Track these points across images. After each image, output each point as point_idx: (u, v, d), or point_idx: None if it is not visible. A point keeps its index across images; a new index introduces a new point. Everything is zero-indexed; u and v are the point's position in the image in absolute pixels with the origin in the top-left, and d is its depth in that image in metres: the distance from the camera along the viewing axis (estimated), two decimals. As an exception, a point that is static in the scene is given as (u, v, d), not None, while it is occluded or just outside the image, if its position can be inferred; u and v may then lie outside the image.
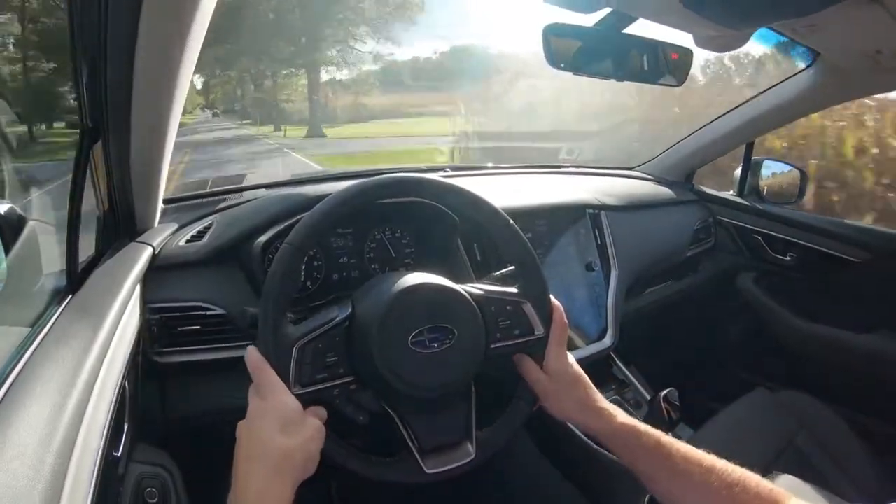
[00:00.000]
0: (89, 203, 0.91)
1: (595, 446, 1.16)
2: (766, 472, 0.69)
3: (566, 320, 0.82)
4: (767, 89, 1.54)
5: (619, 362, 1.38)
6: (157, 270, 1.00)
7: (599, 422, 0.75)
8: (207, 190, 1.30)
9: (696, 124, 1.80)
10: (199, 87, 18.86)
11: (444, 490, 0.83)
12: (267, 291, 0.69)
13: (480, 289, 0.79)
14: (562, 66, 0.89)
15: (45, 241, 0.95)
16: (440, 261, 1.11)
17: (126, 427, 0.81)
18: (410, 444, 0.73)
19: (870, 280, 1.53)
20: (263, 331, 0.68)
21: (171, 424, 1.04)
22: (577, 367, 0.80)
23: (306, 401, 0.67)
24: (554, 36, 0.87)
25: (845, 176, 3.34)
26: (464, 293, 0.75)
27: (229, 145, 13.37)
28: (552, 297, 0.82)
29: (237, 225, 1.09)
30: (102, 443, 0.64)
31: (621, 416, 0.75)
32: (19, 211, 0.87)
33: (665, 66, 0.96)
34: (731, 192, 1.83)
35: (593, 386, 0.78)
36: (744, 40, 0.87)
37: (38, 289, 0.86)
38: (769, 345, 1.78)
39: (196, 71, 0.78)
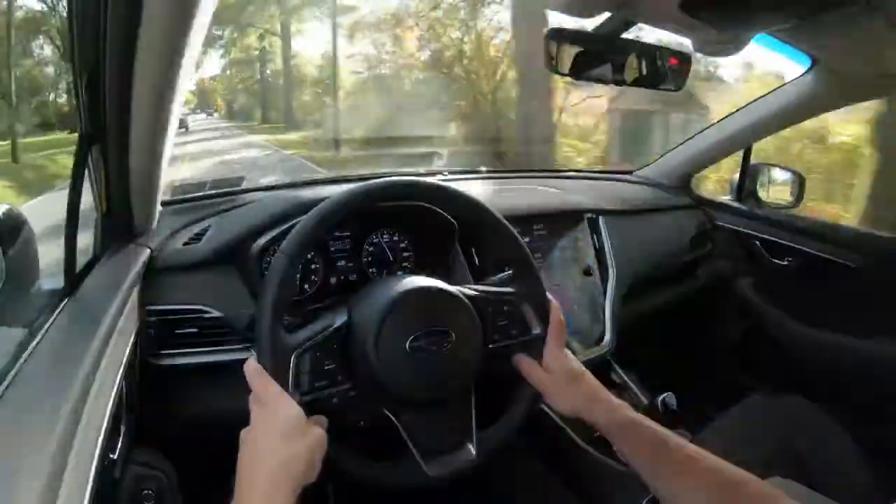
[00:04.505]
0: (87, 205, 0.91)
1: (593, 451, 1.16)
2: (763, 476, 0.69)
3: (563, 317, 0.82)
4: (766, 94, 1.54)
5: (616, 367, 1.38)
6: (155, 272, 1.00)
7: (605, 414, 0.75)
8: (205, 192, 1.30)
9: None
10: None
11: (442, 495, 0.83)
12: (263, 300, 0.69)
13: (477, 290, 0.79)
14: (561, 70, 0.89)
15: (43, 242, 0.95)
16: (438, 264, 1.11)
17: (123, 429, 0.81)
18: (412, 447, 0.73)
19: (868, 285, 1.53)
20: (261, 341, 0.68)
21: (169, 427, 1.04)
22: (576, 361, 0.80)
23: (306, 409, 0.67)
24: (554, 40, 0.87)
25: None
26: (460, 295, 0.75)
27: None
28: (549, 295, 0.82)
29: (235, 228, 1.09)
30: (99, 445, 0.64)
31: (627, 409, 0.75)
32: (18, 212, 0.86)
33: (664, 71, 0.96)
34: (730, 196, 1.83)
35: (596, 379, 0.79)
36: (742, 45, 0.87)
37: (35, 290, 0.86)
38: (767, 350, 1.78)
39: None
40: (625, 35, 0.90)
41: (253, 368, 0.67)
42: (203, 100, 14.81)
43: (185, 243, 1.08)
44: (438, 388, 0.73)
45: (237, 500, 0.60)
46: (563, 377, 0.78)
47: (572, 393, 0.78)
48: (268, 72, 13.90)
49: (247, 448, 0.64)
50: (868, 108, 4.27)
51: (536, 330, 0.80)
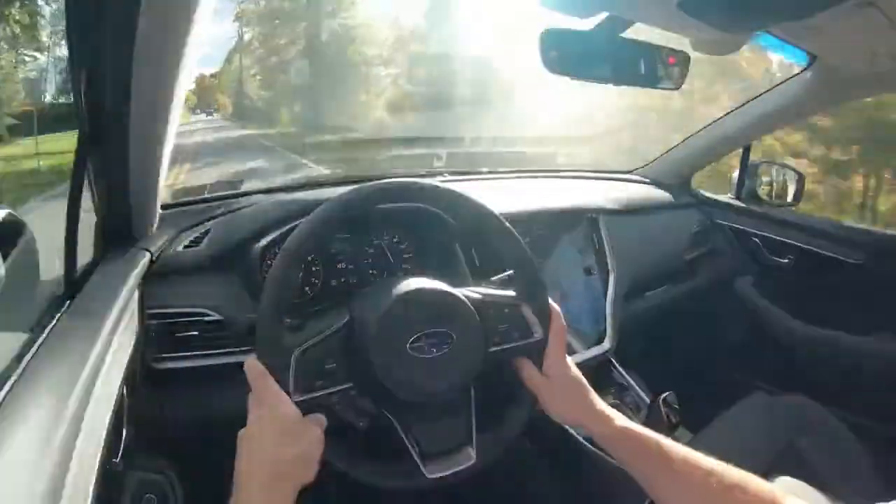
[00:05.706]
0: (87, 209, 0.91)
1: (594, 450, 1.15)
2: (765, 475, 0.69)
3: (564, 323, 0.82)
4: (765, 92, 1.54)
5: (618, 366, 1.38)
6: (155, 276, 1.00)
7: (598, 425, 0.74)
8: (205, 195, 1.30)
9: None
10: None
11: (443, 495, 0.82)
12: (264, 300, 0.69)
13: (478, 293, 0.79)
14: (558, 70, 0.89)
15: (43, 246, 0.95)
16: (439, 266, 1.11)
17: (125, 433, 0.81)
18: (411, 449, 0.73)
19: (867, 282, 1.53)
20: (261, 340, 0.68)
21: (170, 431, 1.04)
22: (575, 370, 0.80)
23: (306, 408, 0.66)
24: (550, 41, 0.87)
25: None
26: (462, 297, 0.75)
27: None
28: (550, 300, 0.82)
29: (235, 230, 1.09)
30: (101, 449, 0.64)
31: (620, 419, 0.74)
32: (18, 216, 0.87)
33: (662, 71, 0.96)
34: (729, 195, 1.83)
35: (592, 389, 0.78)
36: (741, 43, 0.87)
37: (36, 294, 0.86)
38: (768, 347, 1.78)
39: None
40: (623, 34, 0.91)
41: (253, 367, 0.67)
42: (202, 98, 10.74)
43: (186, 246, 1.08)
44: (438, 390, 0.73)
45: (236, 500, 0.60)
46: (561, 384, 0.78)
47: (568, 401, 0.77)
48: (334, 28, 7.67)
49: (245, 448, 0.63)
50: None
51: (537, 334, 0.80)
